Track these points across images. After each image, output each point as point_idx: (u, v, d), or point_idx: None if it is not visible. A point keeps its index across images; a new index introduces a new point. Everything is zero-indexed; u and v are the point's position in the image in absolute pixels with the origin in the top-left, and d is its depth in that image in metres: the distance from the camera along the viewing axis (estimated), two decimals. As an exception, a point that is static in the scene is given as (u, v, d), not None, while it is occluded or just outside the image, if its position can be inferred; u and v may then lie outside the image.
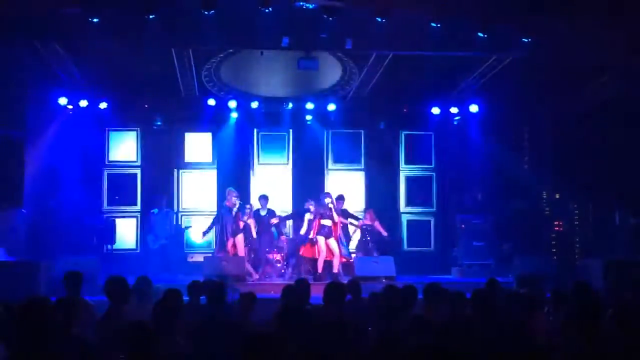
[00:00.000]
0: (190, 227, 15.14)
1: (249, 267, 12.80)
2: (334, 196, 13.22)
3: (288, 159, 16.32)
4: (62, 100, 14.35)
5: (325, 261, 12.79)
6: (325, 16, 10.74)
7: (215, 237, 13.60)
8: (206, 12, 10.51)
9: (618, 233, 13.15)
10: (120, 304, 5.81)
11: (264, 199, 13.65)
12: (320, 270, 12.68)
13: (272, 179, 16.08)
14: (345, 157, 16.46)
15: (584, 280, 8.18)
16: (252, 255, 13.26)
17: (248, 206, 13.65)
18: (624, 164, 12.90)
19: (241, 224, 12.97)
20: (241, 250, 12.80)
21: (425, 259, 14.51)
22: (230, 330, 5.01)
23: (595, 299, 5.78)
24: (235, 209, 12.89)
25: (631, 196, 12.77)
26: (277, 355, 3.63)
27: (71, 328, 4.93)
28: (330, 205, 12.80)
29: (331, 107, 15.38)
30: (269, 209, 13.63)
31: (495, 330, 4.84)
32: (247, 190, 15.51)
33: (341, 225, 13.18)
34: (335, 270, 12.74)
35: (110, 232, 14.48)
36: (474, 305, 5.85)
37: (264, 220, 13.50)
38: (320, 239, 12.73)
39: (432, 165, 16.54)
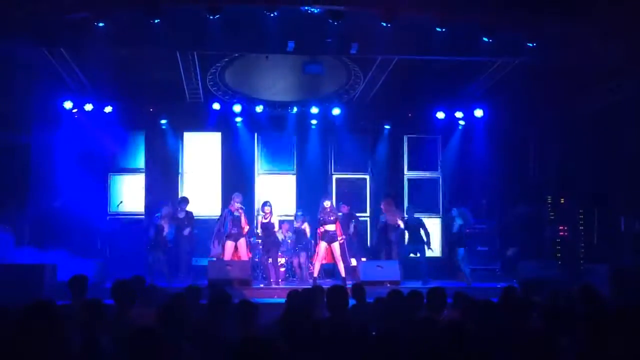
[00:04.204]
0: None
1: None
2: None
3: (292, 163, 16.33)
4: (68, 104, 14.41)
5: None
6: (330, 21, 10.76)
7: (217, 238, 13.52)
8: (211, 17, 10.54)
9: (623, 239, 13.10)
10: (127, 307, 5.81)
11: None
12: (315, 274, 12.67)
13: (276, 183, 16.11)
14: (350, 162, 16.47)
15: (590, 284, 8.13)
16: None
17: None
18: (629, 169, 12.86)
19: (245, 229, 12.94)
20: (244, 255, 12.78)
21: (430, 264, 14.47)
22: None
23: (603, 304, 5.77)
24: (238, 214, 12.84)
25: (637, 201, 12.72)
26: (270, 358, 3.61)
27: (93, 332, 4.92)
28: (327, 204, 12.77)
29: (336, 111, 15.40)
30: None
31: (497, 335, 4.82)
32: (252, 195, 15.54)
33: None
34: (343, 274, 12.73)
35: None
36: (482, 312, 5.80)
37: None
38: (322, 244, 12.71)
39: (437, 170, 16.52)
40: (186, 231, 13.60)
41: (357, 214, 15.05)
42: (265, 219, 13.05)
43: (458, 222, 13.48)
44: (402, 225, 13.76)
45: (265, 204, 13.15)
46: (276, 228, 13.23)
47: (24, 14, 10.42)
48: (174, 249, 13.64)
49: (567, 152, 14.66)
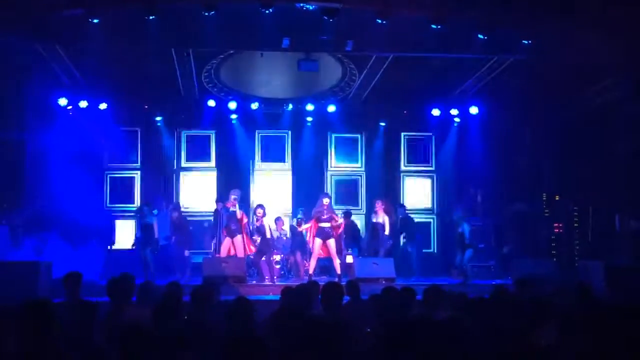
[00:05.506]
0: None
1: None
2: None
3: (288, 161, 16.31)
4: (62, 101, 14.39)
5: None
6: (325, 18, 10.74)
7: (214, 237, 13.48)
8: (207, 13, 10.52)
9: (618, 236, 13.13)
10: (122, 304, 5.81)
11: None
12: (311, 271, 12.68)
13: (272, 180, 16.10)
14: (345, 159, 16.47)
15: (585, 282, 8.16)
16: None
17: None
18: (624, 167, 12.89)
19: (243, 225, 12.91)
20: (240, 251, 12.76)
21: (425, 261, 14.49)
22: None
23: (597, 301, 5.78)
24: (234, 209, 12.80)
25: (632, 199, 12.75)
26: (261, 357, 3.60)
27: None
28: (326, 202, 12.75)
29: (331, 108, 15.41)
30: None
31: (494, 333, 4.83)
32: (247, 191, 15.51)
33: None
34: (338, 271, 12.73)
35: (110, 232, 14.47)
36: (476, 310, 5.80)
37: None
38: (317, 241, 12.70)
39: (432, 167, 16.53)
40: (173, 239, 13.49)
41: (351, 210, 15.06)
42: (258, 221, 13.04)
43: (466, 227, 13.45)
44: (387, 229, 13.78)
45: (257, 207, 13.16)
46: (267, 230, 13.21)
47: (19, 10, 10.37)
48: (170, 247, 13.62)
49: (562, 149, 14.68)
